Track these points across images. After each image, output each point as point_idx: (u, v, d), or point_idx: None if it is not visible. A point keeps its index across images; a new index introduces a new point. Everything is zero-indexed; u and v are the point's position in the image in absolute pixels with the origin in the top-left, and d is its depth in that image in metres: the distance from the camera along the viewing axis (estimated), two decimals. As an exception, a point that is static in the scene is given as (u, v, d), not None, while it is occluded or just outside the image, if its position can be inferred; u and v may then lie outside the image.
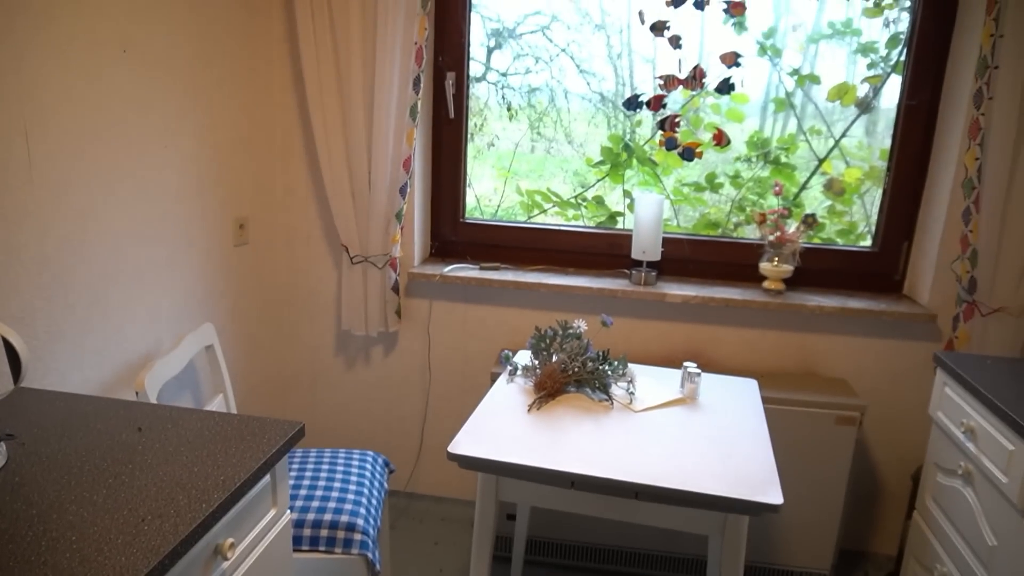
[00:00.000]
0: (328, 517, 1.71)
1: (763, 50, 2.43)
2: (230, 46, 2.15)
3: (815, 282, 2.45)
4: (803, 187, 2.57)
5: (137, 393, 1.59)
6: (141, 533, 1.02)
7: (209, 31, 2.05)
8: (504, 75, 2.64)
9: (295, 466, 1.92)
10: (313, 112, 2.27)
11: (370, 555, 1.69)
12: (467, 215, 2.63)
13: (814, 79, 2.45)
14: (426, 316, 2.53)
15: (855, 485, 2.46)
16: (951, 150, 2.21)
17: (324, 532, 1.69)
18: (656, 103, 2.27)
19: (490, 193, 2.77)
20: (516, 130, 2.71)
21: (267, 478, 1.32)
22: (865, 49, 2.43)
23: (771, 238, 2.35)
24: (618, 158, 2.63)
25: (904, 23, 2.31)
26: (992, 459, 1.70)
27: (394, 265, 2.38)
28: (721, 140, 2.29)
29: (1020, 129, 2.03)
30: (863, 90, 2.42)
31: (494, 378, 1.98)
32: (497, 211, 2.75)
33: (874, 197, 2.49)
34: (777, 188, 2.39)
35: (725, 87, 2.23)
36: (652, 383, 1.88)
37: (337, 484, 1.84)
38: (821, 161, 2.54)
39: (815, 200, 2.58)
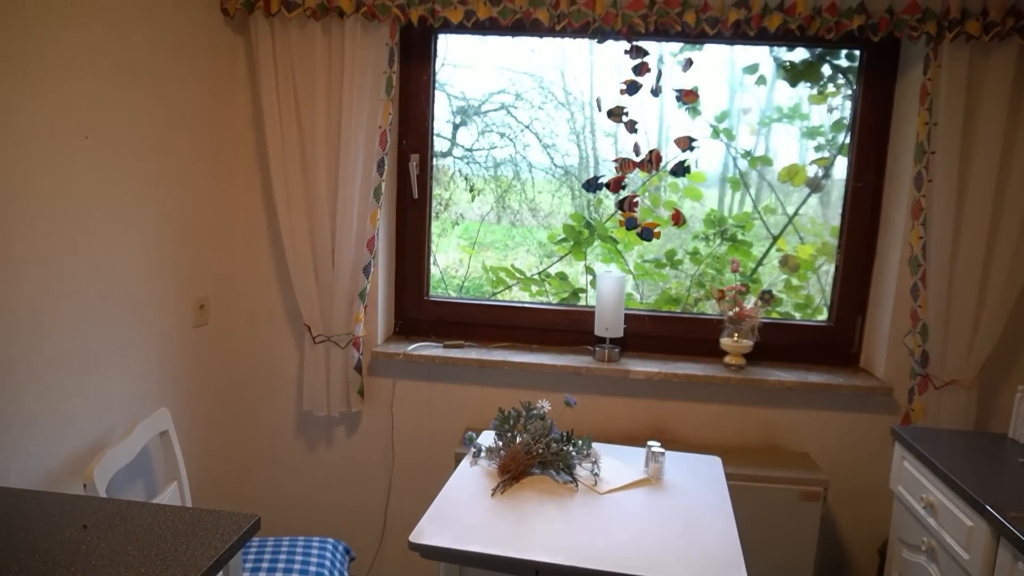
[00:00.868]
0: (284, 612, 1.64)
1: (716, 133, 2.54)
2: (195, 131, 2.18)
3: (775, 356, 2.49)
4: (759, 263, 2.65)
5: (85, 486, 1.53)
6: (81, 644, 0.97)
7: (174, 118, 2.07)
8: (470, 151, 2.71)
9: (251, 556, 1.85)
10: (277, 194, 2.29)
11: (328, 652, 1.62)
12: (432, 289, 2.64)
13: (766, 160, 2.56)
14: (389, 395, 2.50)
15: (823, 560, 2.44)
16: (897, 229, 2.30)
17: (280, 629, 1.62)
18: (616, 184, 2.33)
19: (456, 265, 2.80)
20: (481, 203, 2.76)
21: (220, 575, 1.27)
22: (812, 132, 2.55)
23: (730, 314, 2.39)
24: (580, 235, 2.69)
25: (848, 108, 2.44)
26: (952, 535, 1.71)
27: (357, 344, 2.36)
28: (678, 220, 2.36)
29: (959, 209, 2.14)
30: (812, 171, 2.52)
31: (459, 459, 1.95)
32: (463, 284, 2.77)
33: (828, 272, 2.56)
34: (734, 265, 2.45)
35: (680, 169, 2.31)
36: (617, 463, 1.87)
37: (295, 575, 1.77)
38: (776, 238, 2.62)
39: (772, 275, 2.65)
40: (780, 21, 2.07)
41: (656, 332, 2.52)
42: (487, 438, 1.95)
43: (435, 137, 2.57)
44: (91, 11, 1.72)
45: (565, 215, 2.72)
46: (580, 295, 2.70)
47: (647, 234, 2.33)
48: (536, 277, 2.78)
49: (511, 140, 2.69)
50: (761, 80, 2.52)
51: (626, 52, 2.25)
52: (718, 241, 2.64)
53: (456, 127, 2.72)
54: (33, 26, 1.57)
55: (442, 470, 2.50)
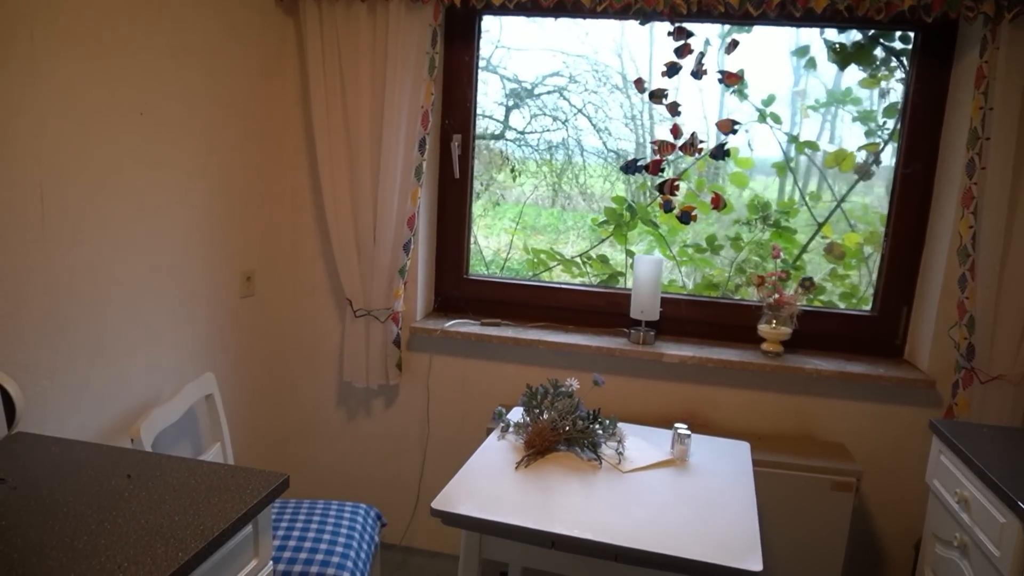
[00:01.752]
0: (315, 569, 1.72)
1: (763, 117, 2.50)
2: (245, 109, 2.26)
3: (815, 345, 2.45)
4: (803, 250, 2.60)
5: (132, 441, 1.63)
6: (116, 580, 1.04)
7: (226, 96, 2.16)
8: (522, 133, 2.73)
9: (286, 517, 1.94)
10: (323, 171, 2.36)
11: (354, 610, 1.69)
12: (474, 270, 2.68)
13: (813, 146, 2.51)
14: (426, 370, 2.56)
15: (856, 552, 2.41)
16: (947, 217, 2.23)
17: (310, 585, 1.70)
18: (655, 167, 2.32)
19: (504, 247, 2.84)
20: (534, 187, 2.79)
21: (249, 528, 1.35)
22: (864, 117, 2.49)
23: (769, 300, 2.36)
24: (622, 218, 2.69)
25: (899, 92, 2.37)
26: (985, 531, 1.67)
27: (396, 319, 2.43)
28: (719, 204, 2.34)
29: (1013, 198, 2.06)
30: (861, 156, 2.46)
31: (490, 433, 1.99)
32: (504, 266, 2.81)
33: (876, 261, 2.50)
34: (776, 251, 2.42)
35: (720, 153, 2.29)
36: (642, 444, 1.88)
37: (327, 536, 1.85)
38: (820, 225, 2.57)
39: (818, 264, 2.60)
40: (827, 2, 2.03)
41: (693, 317, 2.51)
42: (516, 414, 1.99)
43: (488, 120, 2.60)
44: (147, -8, 1.81)
45: (604, 205, 2.72)
46: (619, 278, 2.70)
47: (685, 217, 2.32)
48: (577, 260, 2.80)
49: (563, 123, 2.70)
50: (811, 63, 2.47)
51: (669, 34, 2.23)
52: (761, 227, 2.60)
53: (509, 110, 2.74)
54: (90, 7, 1.66)
55: (475, 444, 2.53)
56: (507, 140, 2.73)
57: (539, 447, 1.78)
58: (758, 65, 2.42)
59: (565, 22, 2.49)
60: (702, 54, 2.22)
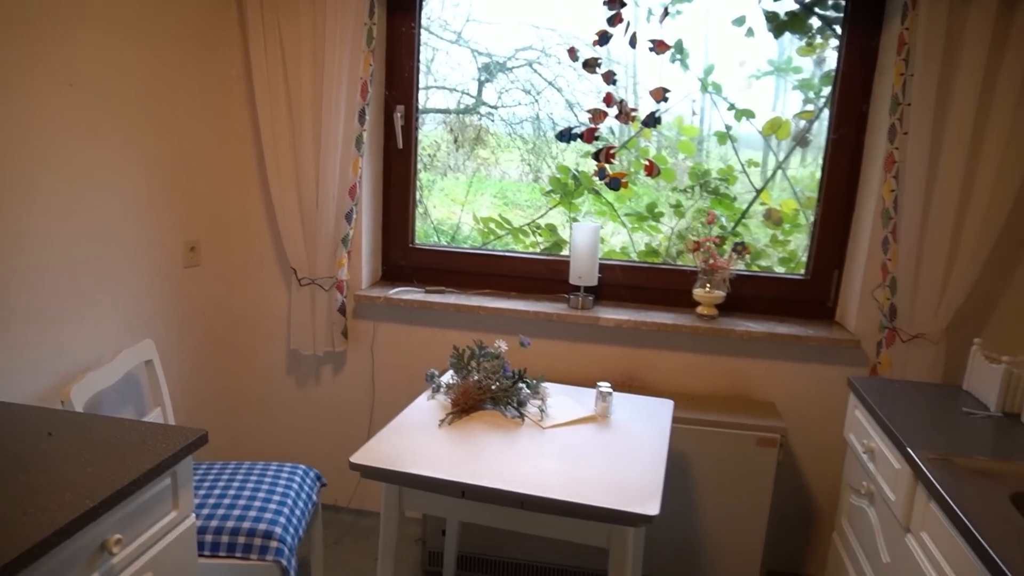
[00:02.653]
0: (246, 525, 1.79)
1: (704, 86, 2.54)
2: (186, 81, 2.28)
3: (751, 309, 2.52)
4: (742, 216, 2.66)
5: (63, 403, 1.69)
6: (18, 524, 1.10)
7: (164, 68, 2.18)
8: (494, 108, 2.75)
9: (224, 476, 2.00)
10: (266, 143, 2.39)
11: (284, 562, 1.76)
12: (427, 241, 2.73)
13: (749, 113, 2.55)
14: (371, 337, 2.62)
15: (784, 507, 2.50)
16: (873, 182, 2.29)
17: (241, 539, 1.76)
18: (589, 135, 2.37)
19: (473, 221, 2.87)
20: (507, 161, 2.82)
21: (167, 480, 1.40)
22: (803, 86, 2.53)
23: (704, 265, 2.43)
24: (566, 187, 2.74)
25: (835, 60, 2.41)
26: (885, 478, 1.75)
27: (340, 288, 2.48)
28: (652, 171, 2.39)
29: (933, 162, 2.12)
30: (796, 124, 2.51)
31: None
32: (454, 236, 2.86)
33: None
34: (710, 217, 2.47)
35: (652, 120, 2.33)
36: (567, 402, 1.95)
37: (261, 495, 1.92)
38: (759, 192, 2.63)
39: (762, 231, 2.66)
40: (752, -31, 2.06)
41: (632, 283, 2.57)
42: (450, 377, 2.05)
43: (463, 95, 2.61)
44: (74, -38, 1.83)
45: (549, 175, 2.76)
46: (563, 246, 2.76)
47: (615, 184, 2.37)
48: (525, 228, 2.85)
49: (535, 98, 2.72)
50: (750, 32, 2.51)
51: (604, 3, 2.26)
52: (700, 194, 2.66)
53: (482, 84, 2.76)
54: (14, -23, 1.68)
55: (418, 408, 2.63)
56: (480, 114, 2.76)
57: (464, 406, 1.85)
58: (701, 35, 2.46)
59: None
60: (631, 23, 2.26)
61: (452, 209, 2.89)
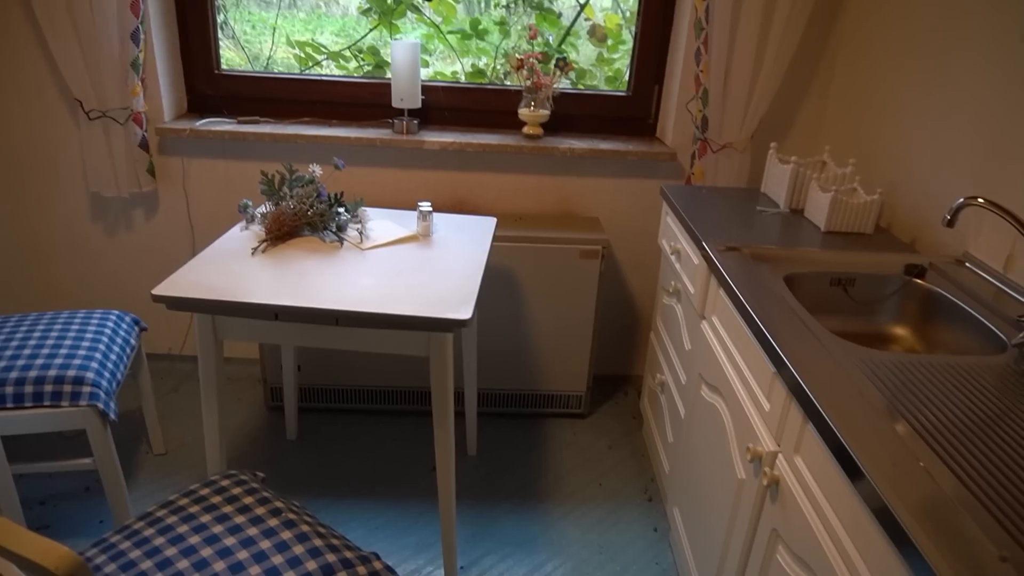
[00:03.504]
0: (52, 372, 1.69)
1: None
2: None
3: (576, 127, 2.55)
4: (567, 32, 2.61)
5: None
6: None
7: None
8: None
9: (23, 327, 1.86)
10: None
11: (101, 406, 1.70)
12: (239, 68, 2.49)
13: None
14: (182, 174, 2.43)
15: (610, 315, 2.69)
16: (689, -8, 2.29)
17: (48, 387, 1.67)
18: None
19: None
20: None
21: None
22: None
23: (528, 83, 2.39)
24: (384, 4, 2.55)
25: None
26: (688, 274, 1.90)
27: (138, 120, 2.24)
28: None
29: (742, -31, 2.14)
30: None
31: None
32: (268, 62, 2.63)
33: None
34: (532, 32, 2.41)
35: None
36: (389, 224, 1.93)
37: (68, 342, 1.80)
38: (582, 7, 2.58)
39: (585, 48, 2.63)
40: None
41: (458, 105, 2.51)
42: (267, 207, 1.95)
43: None
44: None
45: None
46: (386, 68, 2.62)
47: (431, -6, 2.23)
48: (346, 53, 2.66)
49: None
50: None
51: None
52: (525, 10, 2.57)
53: None
54: None
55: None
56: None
57: (278, 233, 1.78)
58: None
59: None
60: None
61: (264, 37, 2.63)
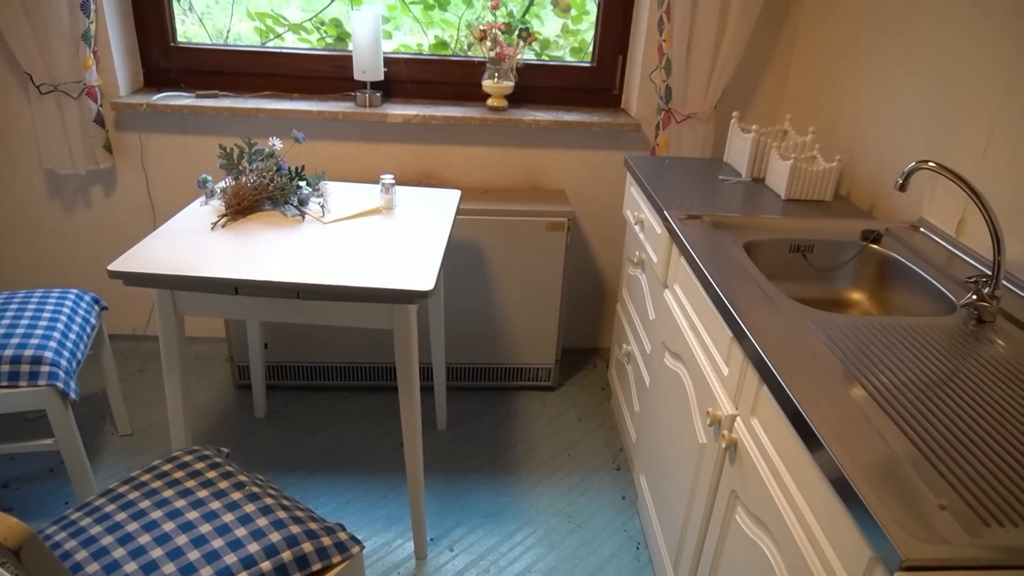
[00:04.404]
0: (8, 352, 1.66)
1: None
2: None
3: (541, 99, 2.53)
4: (531, 3, 2.58)
5: None
6: None
7: None
8: None
9: (-21, 309, 1.82)
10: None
11: (61, 385, 1.67)
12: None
13: None
14: (140, 150, 2.38)
15: (577, 288, 2.70)
16: (652, -39, 2.28)
17: (5, 367, 1.64)
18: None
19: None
20: None
21: None
22: None
23: (491, 55, 2.37)
24: (345, -26, 2.50)
25: None
26: (651, 243, 1.91)
27: (92, 95, 2.19)
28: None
29: (704, -63, 2.13)
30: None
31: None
32: (226, 35, 2.57)
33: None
34: (494, 3, 2.38)
35: None
36: (352, 197, 1.91)
37: (24, 321, 1.77)
38: (546, -24, 2.55)
39: (552, 20, 2.60)
40: None
41: (422, 78, 2.48)
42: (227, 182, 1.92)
43: None
44: None
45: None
46: (348, 40, 2.57)
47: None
48: (307, 25, 2.61)
49: None
50: None
51: None
52: (488, -21, 2.54)
53: None
54: None
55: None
56: None
57: (238, 207, 1.76)
58: None
59: None
60: None
61: (227, 11, 2.56)
